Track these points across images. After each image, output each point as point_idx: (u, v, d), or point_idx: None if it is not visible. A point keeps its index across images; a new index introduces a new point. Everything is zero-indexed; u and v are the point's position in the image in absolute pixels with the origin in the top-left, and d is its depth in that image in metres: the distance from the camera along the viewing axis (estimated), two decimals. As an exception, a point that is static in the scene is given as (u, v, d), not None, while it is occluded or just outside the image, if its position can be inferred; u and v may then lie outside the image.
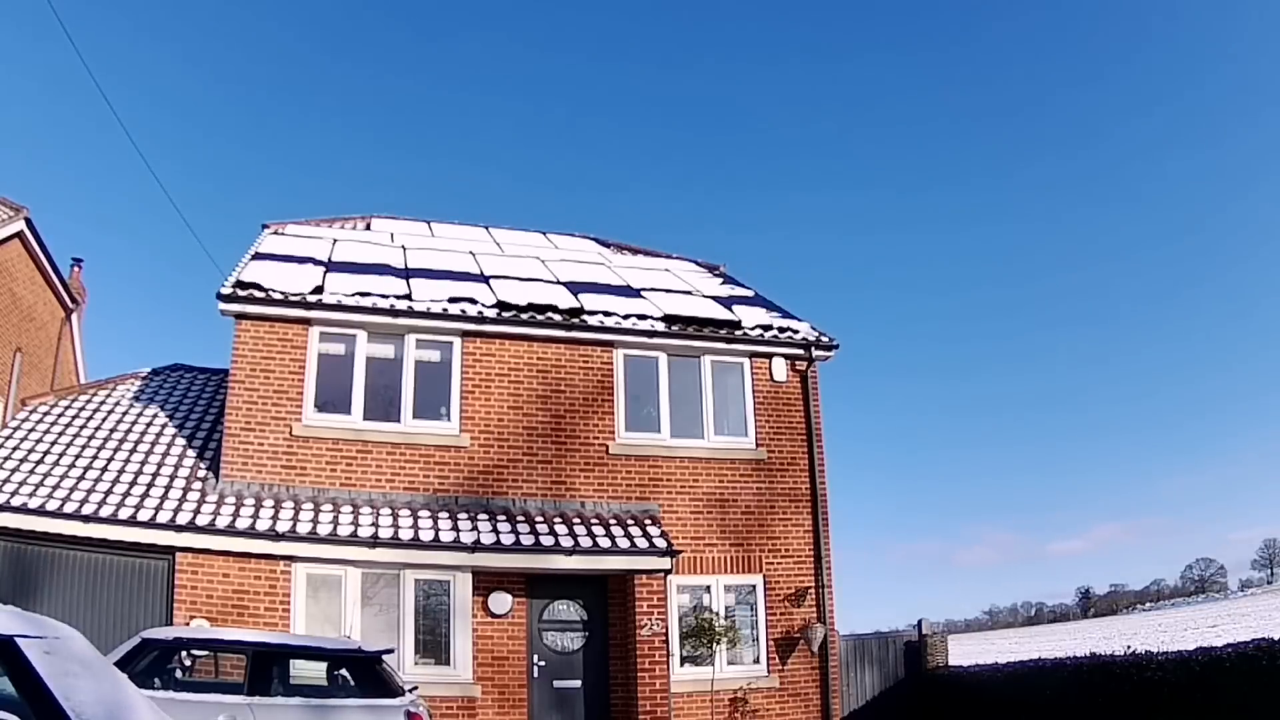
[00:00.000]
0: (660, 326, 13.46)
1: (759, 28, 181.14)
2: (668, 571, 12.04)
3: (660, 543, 12.02)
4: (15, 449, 12.05)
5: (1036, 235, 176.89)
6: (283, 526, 10.99)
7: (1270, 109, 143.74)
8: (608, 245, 19.05)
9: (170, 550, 10.76)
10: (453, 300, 12.93)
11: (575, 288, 14.51)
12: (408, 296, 12.81)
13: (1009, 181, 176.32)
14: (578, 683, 12.18)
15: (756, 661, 12.90)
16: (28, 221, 14.47)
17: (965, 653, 21.01)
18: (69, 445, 12.33)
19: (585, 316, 13.29)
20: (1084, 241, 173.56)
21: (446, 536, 11.36)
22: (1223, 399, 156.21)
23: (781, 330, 14.07)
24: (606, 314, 13.49)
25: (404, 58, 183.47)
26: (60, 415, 13.23)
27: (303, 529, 11.03)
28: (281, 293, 12.19)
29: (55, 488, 11.08)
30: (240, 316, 12.09)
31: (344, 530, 11.13)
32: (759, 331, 13.88)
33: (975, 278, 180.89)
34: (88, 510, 10.65)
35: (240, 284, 12.20)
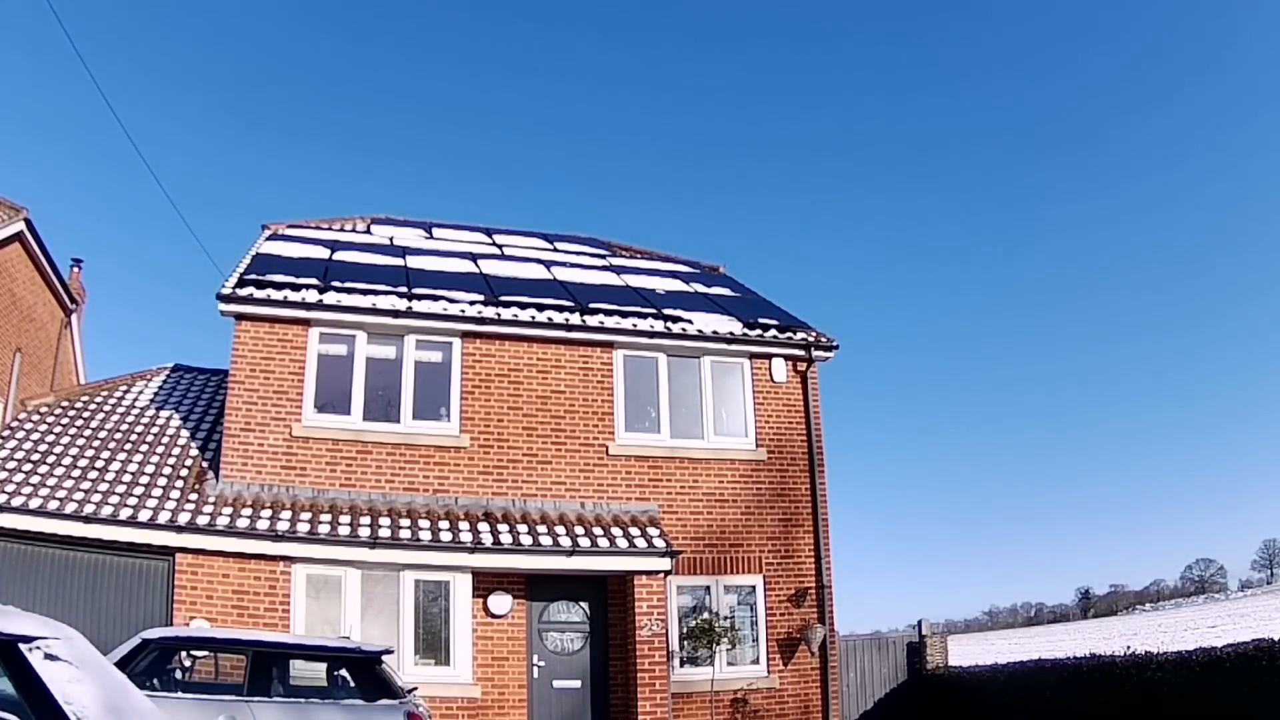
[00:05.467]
0: (660, 327, 13.47)
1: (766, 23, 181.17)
2: (668, 572, 12.05)
3: (660, 543, 12.02)
4: (15, 449, 12.06)
5: (1036, 236, 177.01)
6: (282, 527, 11.01)
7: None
8: (608, 247, 19.07)
9: (170, 551, 10.78)
10: (452, 301, 12.94)
11: (575, 289, 14.52)
12: (408, 297, 12.82)
13: (1011, 181, 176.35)
14: (578, 683, 12.19)
15: (756, 662, 12.91)
16: (28, 222, 14.46)
17: (965, 653, 21.02)
18: (69, 446, 12.34)
19: (585, 317, 13.30)
20: (1083, 235, 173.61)
21: (446, 537, 11.37)
22: (1223, 398, 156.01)
23: (781, 331, 14.08)
24: (606, 314, 13.50)
25: (407, 56, 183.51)
26: (60, 415, 13.25)
27: (302, 529, 11.05)
28: (281, 293, 12.20)
29: (55, 488, 11.09)
30: (240, 317, 12.11)
31: (344, 530, 11.14)
32: (759, 332, 13.89)
33: (977, 280, 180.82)
34: (88, 510, 10.66)
35: (240, 284, 12.22)
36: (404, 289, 13.03)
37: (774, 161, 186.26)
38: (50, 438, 12.52)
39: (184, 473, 11.97)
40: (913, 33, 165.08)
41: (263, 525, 10.98)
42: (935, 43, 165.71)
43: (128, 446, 12.50)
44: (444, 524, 11.65)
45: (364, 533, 11.16)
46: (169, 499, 11.28)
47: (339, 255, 14.47)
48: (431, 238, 17.53)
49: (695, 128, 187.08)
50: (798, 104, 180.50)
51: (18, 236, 14.35)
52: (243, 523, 10.95)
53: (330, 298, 12.33)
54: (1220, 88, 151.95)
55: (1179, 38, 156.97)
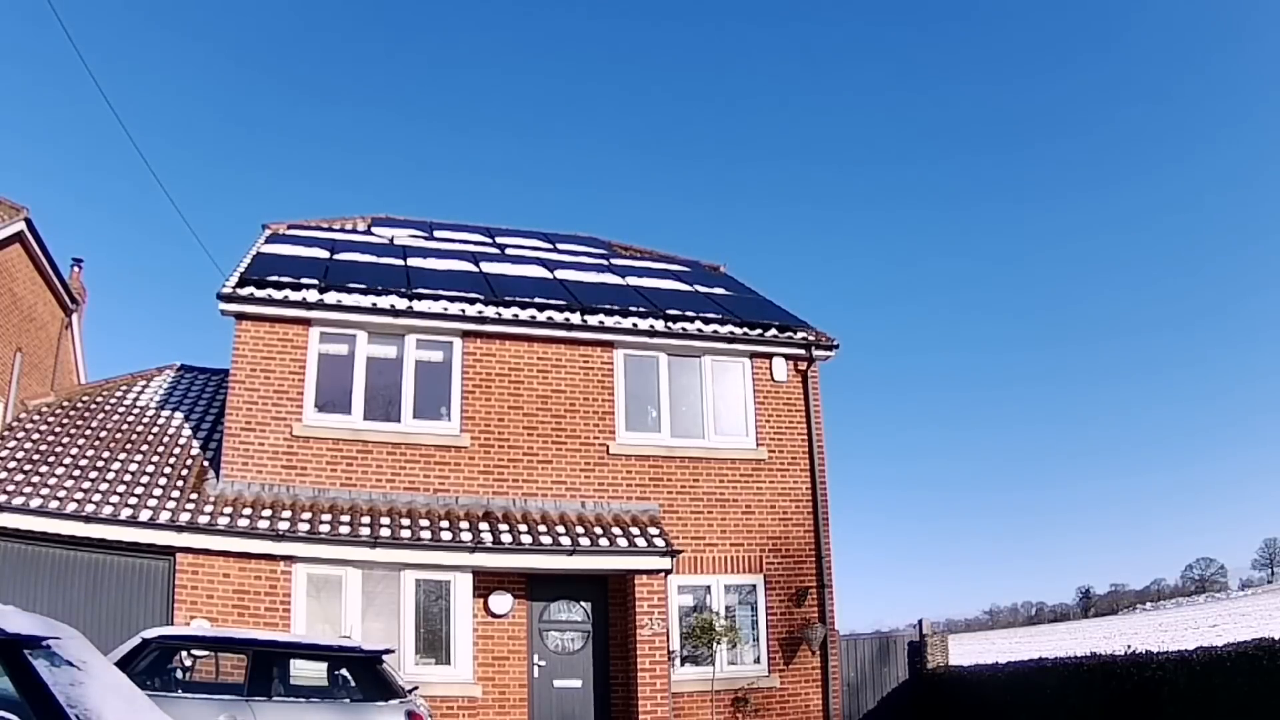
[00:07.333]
0: (660, 326, 13.48)
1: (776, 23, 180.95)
2: (668, 571, 12.05)
3: (660, 543, 12.03)
4: (16, 449, 12.07)
5: (1038, 233, 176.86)
6: (283, 526, 11.01)
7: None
8: (609, 246, 19.07)
9: (171, 550, 10.79)
10: (453, 300, 12.95)
11: (576, 289, 14.52)
12: (408, 297, 12.83)
13: (1012, 178, 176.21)
14: (578, 683, 12.19)
15: (757, 661, 12.91)
16: (28, 222, 14.45)
17: (966, 652, 21.01)
18: (70, 446, 12.35)
19: (586, 317, 13.31)
20: (1084, 233, 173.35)
21: (446, 536, 11.38)
22: (1223, 396, 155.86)
23: (782, 330, 14.08)
24: (607, 314, 13.50)
25: (409, 55, 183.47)
26: (61, 415, 13.25)
27: (303, 529, 11.05)
28: (282, 293, 12.21)
29: (56, 488, 11.09)
30: (241, 316, 12.12)
31: (344, 530, 11.15)
32: (759, 332, 13.90)
33: (977, 287, 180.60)
34: (88, 510, 10.67)
35: (240, 284, 12.23)
36: (404, 289, 13.03)
37: (777, 158, 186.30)
38: (51, 438, 12.53)
39: (185, 472, 11.98)
40: (918, 24, 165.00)
41: (263, 525, 10.98)
42: (941, 33, 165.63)
43: (128, 446, 12.51)
44: (444, 523, 11.66)
45: (365, 532, 11.16)
46: (170, 499, 11.29)
47: (339, 255, 14.47)
48: (432, 238, 17.53)
49: (695, 122, 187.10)
50: (798, 97, 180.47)
51: (18, 236, 14.34)
52: (243, 522, 10.96)
53: (331, 297, 12.34)
54: (1221, 83, 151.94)
55: (1174, 38, 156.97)
